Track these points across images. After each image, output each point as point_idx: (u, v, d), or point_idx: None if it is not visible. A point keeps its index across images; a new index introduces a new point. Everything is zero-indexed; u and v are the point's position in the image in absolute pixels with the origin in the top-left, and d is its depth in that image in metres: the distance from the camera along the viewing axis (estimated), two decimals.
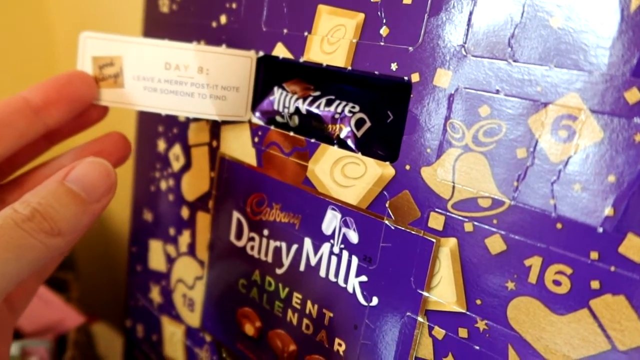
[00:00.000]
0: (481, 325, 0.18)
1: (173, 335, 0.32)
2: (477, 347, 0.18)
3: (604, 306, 0.15)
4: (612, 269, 0.15)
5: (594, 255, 0.15)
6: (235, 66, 0.23)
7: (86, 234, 0.21)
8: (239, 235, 0.26)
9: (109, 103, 0.23)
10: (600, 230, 0.15)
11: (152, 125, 0.32)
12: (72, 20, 0.55)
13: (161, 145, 0.31)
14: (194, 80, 0.23)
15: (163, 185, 0.31)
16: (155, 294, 0.33)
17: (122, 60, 0.23)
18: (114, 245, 0.62)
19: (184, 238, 0.30)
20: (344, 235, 0.22)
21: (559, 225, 0.16)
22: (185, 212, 0.30)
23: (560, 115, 0.15)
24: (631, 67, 0.14)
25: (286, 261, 0.24)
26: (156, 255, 0.33)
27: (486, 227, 0.17)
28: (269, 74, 0.25)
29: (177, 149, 0.30)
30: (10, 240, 0.16)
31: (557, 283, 0.16)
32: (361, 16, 0.20)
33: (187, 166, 0.29)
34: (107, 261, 0.63)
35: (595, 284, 0.15)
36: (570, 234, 0.16)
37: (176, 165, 0.30)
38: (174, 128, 0.30)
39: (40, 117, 0.21)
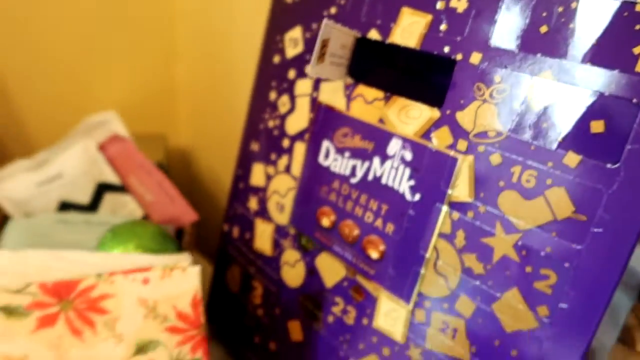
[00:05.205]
0: (482, 209, 0.30)
1: (264, 232, 0.45)
2: (478, 223, 0.30)
3: None
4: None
5: (549, 164, 0.27)
6: (349, 43, 0.36)
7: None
8: (326, 157, 0.39)
9: (317, 75, 0.35)
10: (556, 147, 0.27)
11: (266, 80, 0.44)
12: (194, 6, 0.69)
13: (272, 95, 0.44)
14: (346, 56, 0.35)
15: (270, 124, 0.44)
16: (253, 203, 0.46)
17: (329, 42, 0.35)
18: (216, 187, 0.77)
19: (283, 161, 0.43)
20: (402, 155, 0.34)
21: (532, 147, 0.27)
22: (285, 143, 0.42)
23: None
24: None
25: (359, 173, 0.36)
26: (257, 174, 0.46)
27: (491, 148, 0.29)
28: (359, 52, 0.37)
29: (285, 98, 0.43)
30: None
31: (527, 181, 0.28)
32: (430, 17, 0.32)
33: (291, 110, 0.42)
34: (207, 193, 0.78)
35: (548, 181, 0.27)
36: (538, 149, 0.27)
37: (283, 109, 0.43)
38: (284, 83, 0.43)
39: None
